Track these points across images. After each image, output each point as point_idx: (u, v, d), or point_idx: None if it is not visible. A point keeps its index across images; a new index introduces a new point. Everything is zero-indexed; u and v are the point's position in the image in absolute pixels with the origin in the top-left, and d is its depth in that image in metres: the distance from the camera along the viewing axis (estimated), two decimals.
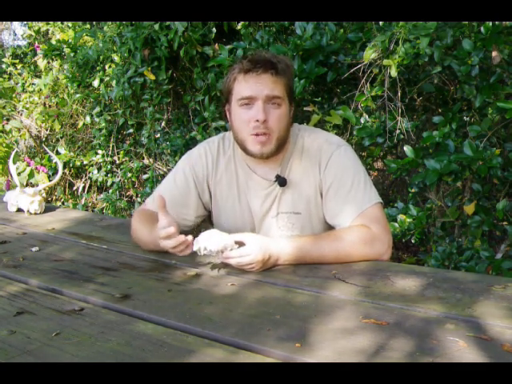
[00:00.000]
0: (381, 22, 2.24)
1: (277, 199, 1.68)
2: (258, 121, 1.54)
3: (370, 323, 1.09)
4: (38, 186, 2.67)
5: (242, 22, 2.86)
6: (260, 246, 1.40)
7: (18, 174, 4.12)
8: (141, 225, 1.68)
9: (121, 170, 3.89)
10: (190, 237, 1.46)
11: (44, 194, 2.88)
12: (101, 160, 3.96)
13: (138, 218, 1.72)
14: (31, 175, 4.25)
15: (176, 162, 2.86)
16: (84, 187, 4.37)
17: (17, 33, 9.05)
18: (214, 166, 1.73)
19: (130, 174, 3.82)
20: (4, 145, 4.65)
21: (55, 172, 4.27)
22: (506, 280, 1.33)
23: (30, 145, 4.72)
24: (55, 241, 1.85)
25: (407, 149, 2.31)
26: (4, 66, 4.98)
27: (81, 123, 4.13)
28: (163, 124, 3.48)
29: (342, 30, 2.58)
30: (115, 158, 3.94)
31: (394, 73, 2.14)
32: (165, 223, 1.48)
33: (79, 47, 4.01)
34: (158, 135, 3.51)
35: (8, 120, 4.69)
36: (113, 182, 3.96)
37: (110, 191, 3.97)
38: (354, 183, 1.58)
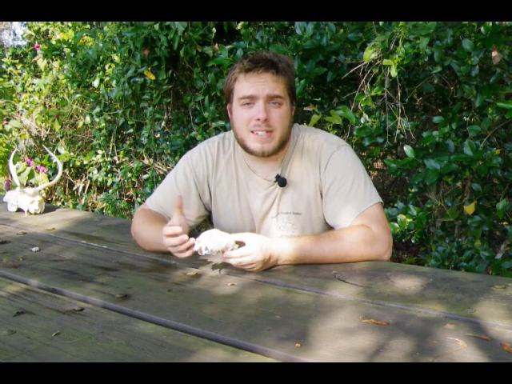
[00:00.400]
0: (381, 22, 2.24)
1: (277, 199, 1.68)
2: (259, 119, 1.54)
3: (370, 323, 1.09)
4: (38, 186, 2.68)
5: (241, 22, 2.86)
6: (260, 246, 1.40)
7: (18, 174, 4.12)
8: (144, 225, 1.67)
9: (121, 170, 3.89)
10: (192, 239, 1.46)
11: (44, 194, 2.88)
12: (101, 160, 3.96)
13: (141, 218, 1.71)
14: (31, 175, 4.25)
15: (176, 162, 2.87)
16: (84, 187, 4.37)
17: (17, 33, 9.06)
18: (214, 167, 1.73)
19: (129, 174, 3.82)
20: (4, 145, 4.64)
21: (55, 172, 4.26)
22: (506, 280, 1.33)
23: (29, 145, 4.72)
24: (55, 241, 1.85)
25: (407, 149, 2.31)
26: (4, 65, 4.97)
27: (81, 123, 4.13)
28: (163, 124, 3.48)
29: (341, 30, 2.58)
30: (115, 158, 3.94)
31: (393, 73, 2.14)
32: (175, 222, 1.48)
33: (79, 47, 4.01)
34: (158, 135, 3.51)
35: (8, 120, 4.68)
36: (113, 182, 3.96)
37: (110, 191, 3.97)
38: (354, 183, 1.58)
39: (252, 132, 1.58)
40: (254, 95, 1.55)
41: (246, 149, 1.62)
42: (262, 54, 1.61)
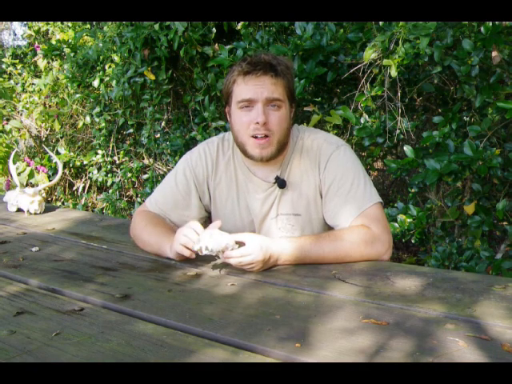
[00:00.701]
0: (381, 22, 2.24)
1: (276, 201, 1.67)
2: (258, 123, 1.54)
3: (370, 323, 1.09)
4: (38, 186, 2.68)
5: (241, 22, 2.86)
6: (261, 245, 1.40)
7: (18, 174, 4.12)
8: (146, 228, 1.67)
9: (121, 170, 3.89)
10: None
11: (44, 194, 2.88)
12: (101, 160, 3.96)
13: (142, 220, 1.71)
14: (31, 175, 4.25)
15: (176, 162, 2.87)
16: (84, 187, 4.37)
17: (17, 33, 9.06)
18: (214, 168, 1.73)
19: (129, 174, 3.82)
20: (4, 145, 4.64)
21: (55, 172, 4.27)
22: (506, 280, 1.33)
23: (30, 145, 4.72)
24: (55, 241, 1.85)
25: (407, 149, 2.31)
26: (4, 65, 4.97)
27: (81, 123, 4.13)
28: (163, 124, 3.48)
29: (341, 30, 2.58)
30: (115, 158, 3.94)
31: (393, 73, 2.14)
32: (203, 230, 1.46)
33: (79, 47, 4.01)
34: (158, 135, 3.51)
35: (8, 120, 4.69)
36: (113, 182, 3.96)
37: (110, 191, 3.97)
38: (354, 183, 1.57)
39: (252, 137, 1.57)
40: (252, 98, 1.54)
41: (245, 153, 1.62)
42: (261, 56, 1.60)
